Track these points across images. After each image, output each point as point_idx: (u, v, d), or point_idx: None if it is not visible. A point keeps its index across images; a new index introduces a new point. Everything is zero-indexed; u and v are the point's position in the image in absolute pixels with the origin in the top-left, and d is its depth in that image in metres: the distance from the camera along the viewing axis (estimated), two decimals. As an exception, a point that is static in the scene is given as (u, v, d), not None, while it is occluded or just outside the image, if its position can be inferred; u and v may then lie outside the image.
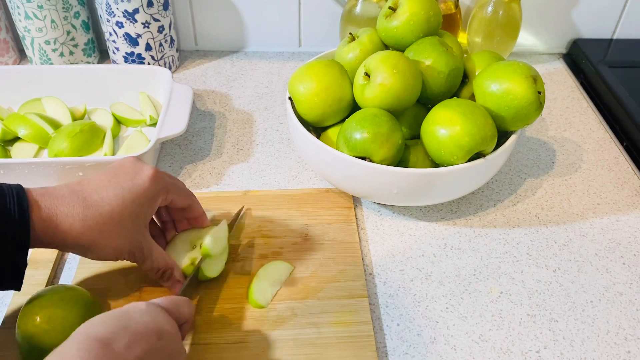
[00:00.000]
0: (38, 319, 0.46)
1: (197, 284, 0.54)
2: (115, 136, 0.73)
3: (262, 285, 0.53)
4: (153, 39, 0.82)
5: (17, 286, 0.45)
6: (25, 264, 0.44)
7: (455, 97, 0.61)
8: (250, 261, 0.57)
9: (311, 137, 0.59)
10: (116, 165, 0.49)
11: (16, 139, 0.71)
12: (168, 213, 0.55)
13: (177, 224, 0.56)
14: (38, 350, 0.46)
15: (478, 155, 0.57)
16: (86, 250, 0.46)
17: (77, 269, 0.55)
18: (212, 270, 0.53)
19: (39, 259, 0.56)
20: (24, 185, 0.45)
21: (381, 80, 0.57)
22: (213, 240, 0.52)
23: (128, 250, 0.48)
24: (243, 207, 0.62)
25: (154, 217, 0.54)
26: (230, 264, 0.56)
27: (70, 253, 0.54)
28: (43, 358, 0.45)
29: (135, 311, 0.40)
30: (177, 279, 0.51)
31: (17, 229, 0.42)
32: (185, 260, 0.53)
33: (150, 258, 0.49)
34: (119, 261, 0.49)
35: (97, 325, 0.38)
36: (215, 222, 0.59)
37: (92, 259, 0.48)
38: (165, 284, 0.52)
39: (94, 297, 0.51)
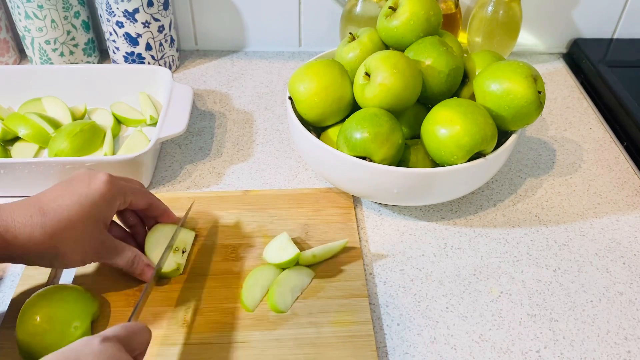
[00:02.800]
0: (38, 319, 0.46)
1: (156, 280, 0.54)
2: (115, 136, 0.73)
3: (283, 290, 0.53)
4: (153, 38, 0.82)
5: None
6: None
7: (455, 97, 0.61)
8: (250, 261, 0.57)
9: (311, 137, 0.59)
10: (70, 177, 0.49)
11: (16, 138, 0.71)
12: (134, 216, 0.55)
13: (146, 223, 0.57)
14: (38, 350, 0.46)
15: (478, 155, 0.57)
16: (52, 258, 0.46)
17: (77, 268, 0.55)
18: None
19: (39, 259, 0.56)
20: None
21: (381, 80, 0.57)
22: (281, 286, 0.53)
23: (94, 252, 0.48)
24: (192, 202, 0.62)
25: (120, 222, 0.55)
26: (230, 263, 0.56)
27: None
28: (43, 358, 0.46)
29: (88, 353, 0.35)
30: (147, 264, 0.52)
31: None
32: (171, 263, 0.54)
33: (120, 254, 0.50)
34: None
35: None
36: (185, 224, 0.59)
37: (58, 267, 0.48)
38: (136, 272, 0.52)
39: (94, 297, 0.51)
